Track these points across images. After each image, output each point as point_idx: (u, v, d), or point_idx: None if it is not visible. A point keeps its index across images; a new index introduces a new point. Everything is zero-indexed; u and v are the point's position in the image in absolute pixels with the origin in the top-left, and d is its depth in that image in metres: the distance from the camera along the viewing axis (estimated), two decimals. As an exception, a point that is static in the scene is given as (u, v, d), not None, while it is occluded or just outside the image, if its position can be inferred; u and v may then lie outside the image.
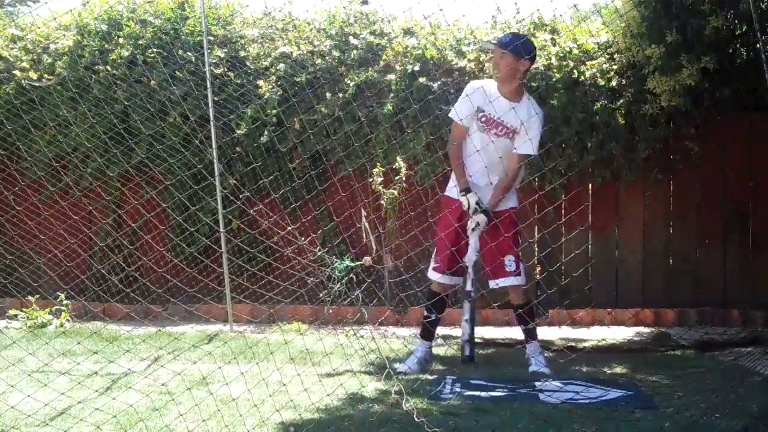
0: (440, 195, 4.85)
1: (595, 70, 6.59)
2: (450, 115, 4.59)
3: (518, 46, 4.37)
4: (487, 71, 6.60)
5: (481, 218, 4.42)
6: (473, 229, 4.45)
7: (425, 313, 4.66)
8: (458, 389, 3.98)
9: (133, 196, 6.74)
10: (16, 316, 6.07)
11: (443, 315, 4.81)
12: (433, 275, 4.61)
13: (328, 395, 3.63)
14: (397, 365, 4.48)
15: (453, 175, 4.62)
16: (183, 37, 7.07)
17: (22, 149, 6.67)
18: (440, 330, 6.07)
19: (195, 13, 7.12)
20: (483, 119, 4.49)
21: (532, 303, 4.72)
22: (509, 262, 4.48)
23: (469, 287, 4.53)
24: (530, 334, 4.59)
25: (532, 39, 6.79)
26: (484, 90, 4.53)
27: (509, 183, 4.53)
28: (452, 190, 4.60)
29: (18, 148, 6.64)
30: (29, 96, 6.77)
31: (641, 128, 6.51)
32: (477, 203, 4.41)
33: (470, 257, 4.48)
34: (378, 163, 6.43)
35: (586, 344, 5.51)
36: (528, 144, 4.45)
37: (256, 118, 6.75)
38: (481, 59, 6.72)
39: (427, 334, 4.69)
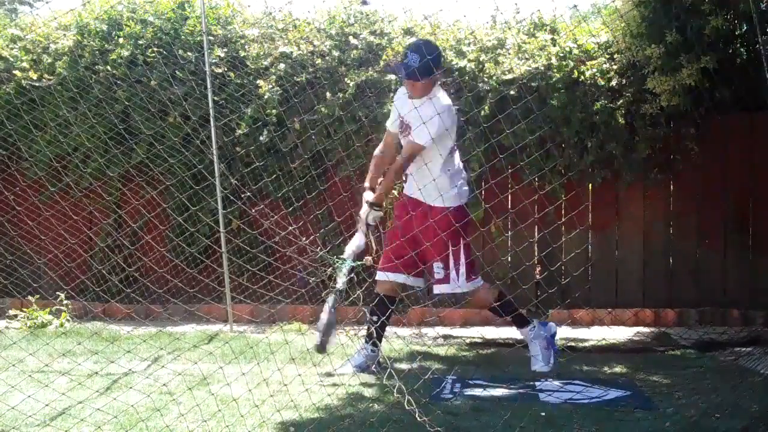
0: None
1: (595, 70, 6.58)
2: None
3: (427, 67, 4.10)
4: (487, 71, 6.60)
5: (375, 214, 4.29)
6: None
7: (371, 317, 4.39)
8: (458, 389, 3.99)
9: (134, 196, 6.74)
10: (16, 316, 6.08)
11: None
12: (379, 275, 4.44)
13: (328, 395, 3.63)
14: (397, 365, 4.47)
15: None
16: (183, 37, 7.07)
17: (22, 149, 6.68)
18: (440, 329, 6.11)
19: (195, 13, 7.12)
20: (401, 128, 4.33)
21: (504, 298, 4.44)
22: (437, 268, 4.28)
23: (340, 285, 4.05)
24: (519, 323, 4.52)
25: (532, 40, 6.80)
26: (402, 96, 4.35)
27: (394, 169, 4.34)
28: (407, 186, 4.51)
29: (18, 148, 6.65)
30: (29, 96, 6.78)
31: (641, 128, 6.51)
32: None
33: (351, 247, 4.18)
34: (378, 163, 6.42)
35: (586, 344, 5.51)
36: (420, 131, 4.08)
37: (256, 118, 6.75)
38: (480, 59, 6.70)
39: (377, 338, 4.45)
